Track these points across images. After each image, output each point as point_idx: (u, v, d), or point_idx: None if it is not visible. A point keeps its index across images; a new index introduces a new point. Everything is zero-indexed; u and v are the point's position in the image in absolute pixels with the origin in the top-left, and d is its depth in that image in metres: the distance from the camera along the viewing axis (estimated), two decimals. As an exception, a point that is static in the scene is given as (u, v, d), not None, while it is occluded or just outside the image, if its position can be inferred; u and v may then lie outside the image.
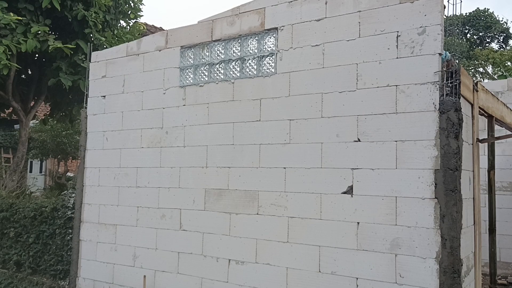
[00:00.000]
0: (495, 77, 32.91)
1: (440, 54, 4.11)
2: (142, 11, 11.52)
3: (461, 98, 4.21)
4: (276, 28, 5.04)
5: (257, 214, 4.94)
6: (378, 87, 4.37)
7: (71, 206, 6.78)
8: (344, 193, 4.46)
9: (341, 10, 4.65)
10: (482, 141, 4.70)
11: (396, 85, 4.28)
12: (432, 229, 3.96)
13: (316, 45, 4.76)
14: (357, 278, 4.29)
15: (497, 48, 36.56)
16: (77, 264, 6.47)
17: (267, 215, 4.88)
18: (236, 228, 5.07)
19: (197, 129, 5.50)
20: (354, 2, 4.58)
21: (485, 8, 35.65)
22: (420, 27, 4.20)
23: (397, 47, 4.30)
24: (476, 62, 35.09)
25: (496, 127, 6.64)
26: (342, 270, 4.38)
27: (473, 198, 4.49)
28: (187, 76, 5.68)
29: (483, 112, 5.14)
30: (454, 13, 4.75)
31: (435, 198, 3.98)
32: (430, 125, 4.07)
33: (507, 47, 36.58)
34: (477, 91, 4.67)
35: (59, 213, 6.92)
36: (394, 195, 4.20)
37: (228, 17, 5.42)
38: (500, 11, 64.19)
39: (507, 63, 33.52)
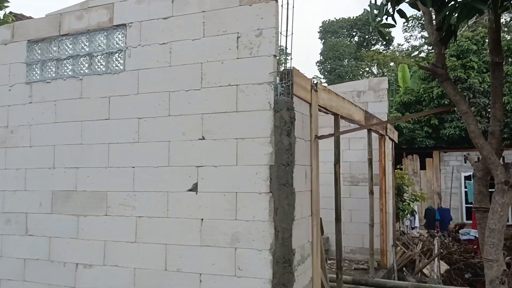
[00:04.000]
0: (379, 76, 35.59)
1: (275, 56, 4.32)
2: (9, 1, 10.58)
3: (297, 98, 4.48)
4: (125, 25, 4.94)
5: (106, 215, 4.82)
6: (220, 86, 4.48)
7: None
8: (190, 190, 4.52)
9: (187, 9, 4.68)
10: (321, 137, 5.03)
11: (237, 85, 4.42)
12: (267, 222, 4.17)
13: (164, 43, 4.75)
14: (200, 274, 4.37)
15: (381, 50, 39.54)
16: None
17: (116, 215, 4.78)
18: (84, 230, 4.90)
19: (44, 128, 5.21)
20: (199, 2, 4.63)
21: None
22: (258, 29, 4.37)
23: (237, 48, 4.44)
24: (363, 63, 37.64)
25: (352, 124, 7.19)
26: (187, 267, 4.43)
27: (311, 190, 4.80)
28: (34, 72, 5.35)
29: (326, 110, 5.51)
30: (291, 18, 4.91)
31: (270, 192, 4.18)
32: (266, 123, 4.27)
33: (389, 48, 39.73)
34: (316, 91, 5.00)
35: None
36: (234, 191, 4.34)
37: (76, 11, 5.20)
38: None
39: (390, 63, 36.41)
